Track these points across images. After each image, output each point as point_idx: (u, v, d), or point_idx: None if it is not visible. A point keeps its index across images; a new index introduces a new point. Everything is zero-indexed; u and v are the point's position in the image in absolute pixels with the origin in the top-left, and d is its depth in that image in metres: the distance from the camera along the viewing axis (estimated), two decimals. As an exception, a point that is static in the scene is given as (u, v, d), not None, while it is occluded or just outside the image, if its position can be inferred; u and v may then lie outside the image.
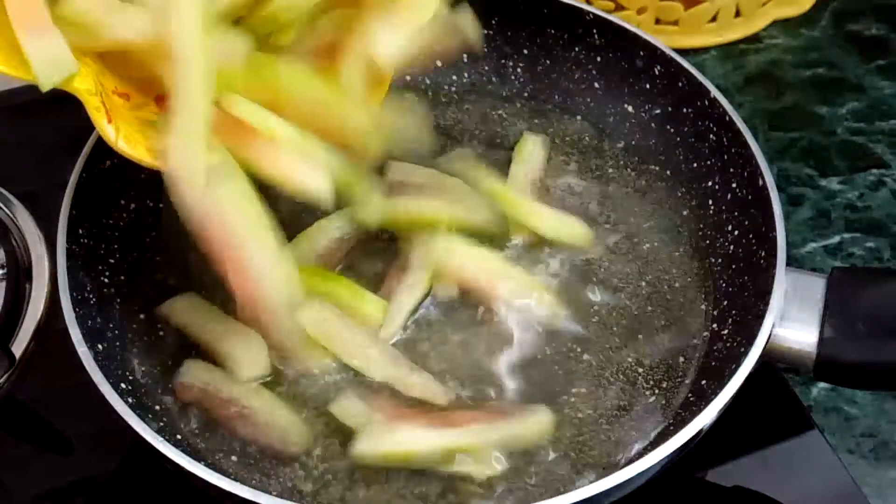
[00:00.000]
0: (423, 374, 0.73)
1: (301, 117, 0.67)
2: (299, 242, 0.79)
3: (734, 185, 0.81)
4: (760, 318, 0.69)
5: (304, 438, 0.71)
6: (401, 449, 0.68)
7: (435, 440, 0.68)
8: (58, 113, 1.02)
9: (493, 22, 0.95)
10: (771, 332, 0.68)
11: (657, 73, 0.89)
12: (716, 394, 0.65)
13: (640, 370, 0.76)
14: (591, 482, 0.61)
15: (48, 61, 0.59)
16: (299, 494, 0.68)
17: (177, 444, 0.63)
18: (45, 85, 0.60)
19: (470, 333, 0.77)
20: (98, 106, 0.63)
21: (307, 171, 0.66)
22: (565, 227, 0.83)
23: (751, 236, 0.78)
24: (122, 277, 0.80)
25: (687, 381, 0.75)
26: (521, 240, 0.83)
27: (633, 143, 0.91)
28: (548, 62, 0.96)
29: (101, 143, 0.80)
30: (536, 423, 0.72)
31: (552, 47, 0.95)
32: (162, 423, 0.70)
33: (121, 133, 0.65)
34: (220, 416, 0.71)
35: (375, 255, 0.82)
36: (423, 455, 0.68)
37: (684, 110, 0.87)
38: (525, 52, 0.96)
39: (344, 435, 0.70)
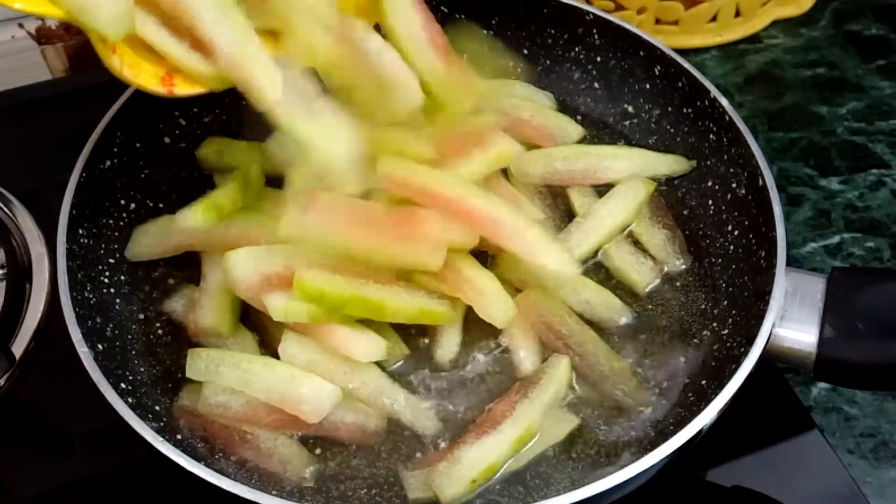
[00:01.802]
0: (413, 399, 0.73)
1: None
2: None
3: (734, 185, 0.81)
4: (760, 318, 0.69)
5: (306, 465, 0.70)
6: (484, 465, 0.67)
7: (501, 440, 0.68)
8: (58, 113, 1.03)
9: (493, 22, 0.95)
10: (771, 332, 0.68)
11: (657, 73, 0.89)
12: (716, 394, 0.65)
13: (641, 370, 0.76)
14: (591, 482, 0.61)
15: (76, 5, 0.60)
16: (299, 494, 0.68)
17: (177, 444, 0.63)
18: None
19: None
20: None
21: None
22: None
23: (751, 236, 0.78)
24: (122, 277, 0.80)
25: (687, 381, 0.75)
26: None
27: (633, 142, 0.91)
28: (548, 62, 0.96)
29: (101, 143, 0.80)
30: (563, 371, 0.73)
31: (552, 47, 0.95)
32: (162, 423, 0.70)
33: (125, 61, 0.66)
34: (222, 437, 0.71)
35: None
36: (502, 458, 0.68)
37: (684, 110, 0.87)
38: (525, 52, 0.96)
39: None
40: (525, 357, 0.75)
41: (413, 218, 0.74)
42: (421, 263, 0.73)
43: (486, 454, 0.68)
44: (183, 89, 0.69)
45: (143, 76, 0.67)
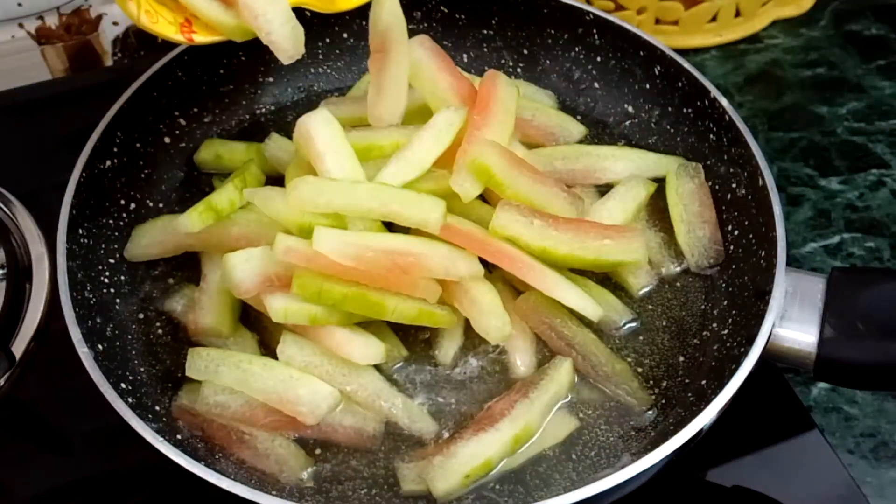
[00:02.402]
0: (410, 403, 0.73)
1: None
2: None
3: (734, 185, 0.81)
4: (760, 318, 0.69)
5: (303, 467, 0.70)
6: (478, 462, 0.67)
7: (497, 438, 0.68)
8: (58, 113, 1.03)
9: (493, 22, 0.95)
10: (771, 332, 0.68)
11: (657, 73, 0.89)
12: (716, 394, 0.65)
13: (640, 370, 0.76)
14: (591, 482, 0.61)
15: None
16: (299, 493, 0.68)
17: (177, 444, 0.63)
18: None
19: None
20: None
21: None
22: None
23: (751, 236, 0.78)
24: (122, 277, 0.80)
25: (687, 381, 0.75)
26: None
27: (633, 142, 0.91)
28: (548, 62, 0.96)
29: (102, 143, 0.80)
30: (564, 373, 0.73)
31: (552, 47, 0.95)
32: (162, 423, 0.70)
33: (142, 8, 0.65)
34: (219, 437, 0.71)
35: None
36: (498, 455, 0.68)
37: (684, 110, 0.87)
38: (525, 52, 0.96)
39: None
40: (520, 360, 0.75)
41: (415, 264, 0.72)
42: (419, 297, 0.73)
43: (482, 450, 0.68)
44: (203, 38, 0.68)
45: (161, 23, 0.66)
